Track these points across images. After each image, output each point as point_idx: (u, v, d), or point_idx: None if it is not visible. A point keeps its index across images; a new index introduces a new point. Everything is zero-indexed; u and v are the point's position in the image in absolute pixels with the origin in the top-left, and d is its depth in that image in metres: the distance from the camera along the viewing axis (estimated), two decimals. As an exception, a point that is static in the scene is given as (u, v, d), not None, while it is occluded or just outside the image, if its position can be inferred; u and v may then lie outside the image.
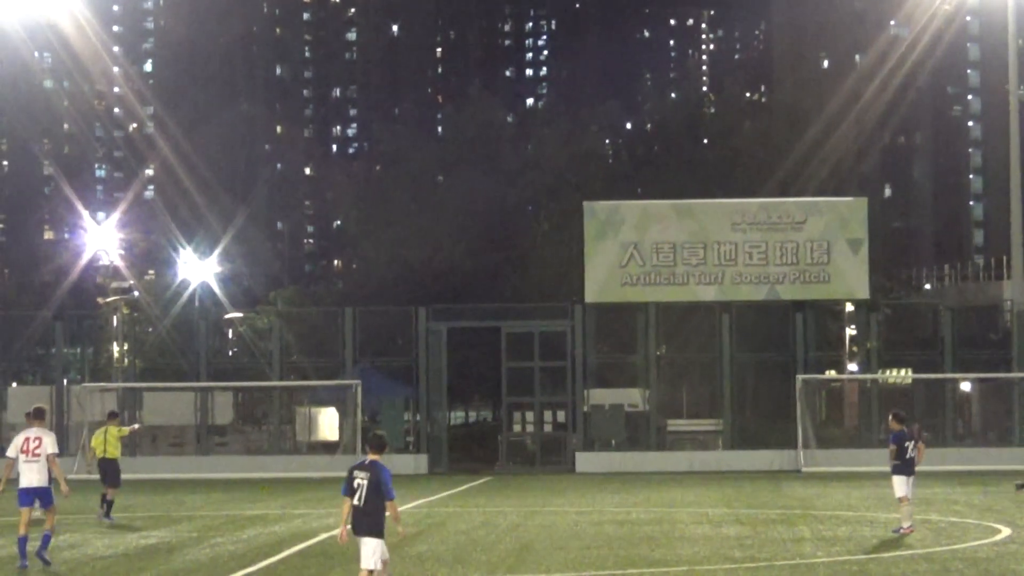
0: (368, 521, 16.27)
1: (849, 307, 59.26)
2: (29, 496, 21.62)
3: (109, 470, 31.05)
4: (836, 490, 37.75)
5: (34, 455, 21.66)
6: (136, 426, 42.45)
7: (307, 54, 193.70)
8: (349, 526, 16.43)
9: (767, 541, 24.47)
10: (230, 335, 68.29)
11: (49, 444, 21.68)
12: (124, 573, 21.49)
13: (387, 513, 16.35)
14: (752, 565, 21.30)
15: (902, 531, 25.04)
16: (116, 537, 26.57)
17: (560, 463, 51.50)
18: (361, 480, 16.29)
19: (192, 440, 53.66)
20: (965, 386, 56.66)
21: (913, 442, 25.55)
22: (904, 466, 25.39)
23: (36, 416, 22.22)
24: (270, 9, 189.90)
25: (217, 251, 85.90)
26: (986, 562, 21.17)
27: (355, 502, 16.30)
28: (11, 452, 21.92)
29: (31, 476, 21.62)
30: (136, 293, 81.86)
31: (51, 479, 21.70)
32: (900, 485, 25.34)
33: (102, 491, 30.71)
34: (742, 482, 42.14)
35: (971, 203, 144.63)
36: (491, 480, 45.85)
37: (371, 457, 16.51)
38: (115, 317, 63.93)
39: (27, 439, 21.74)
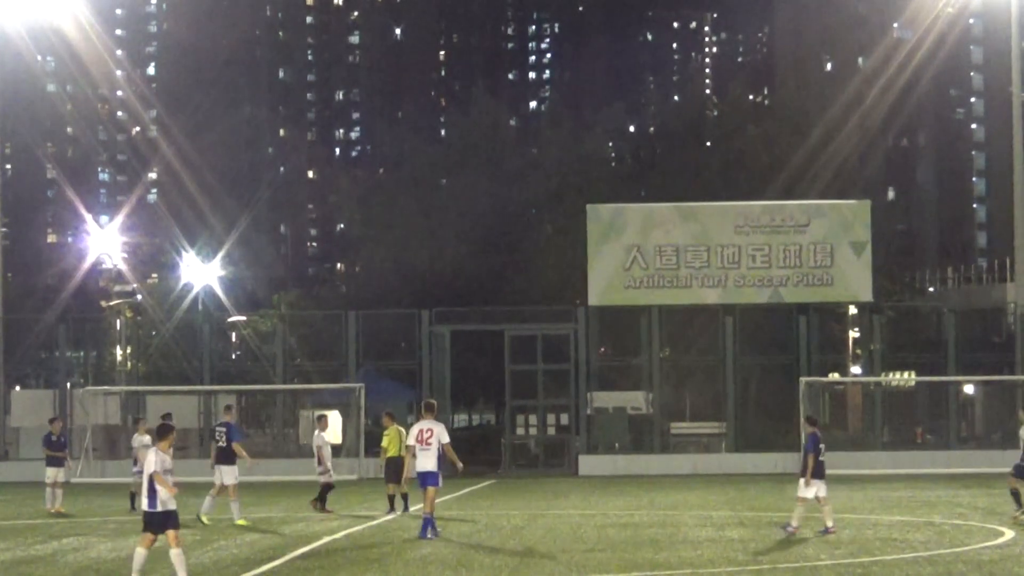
0: None
1: (852, 310, 59.28)
2: (423, 478, 25.19)
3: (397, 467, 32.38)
4: (839, 493, 37.62)
5: (426, 443, 25.13)
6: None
7: (310, 57, 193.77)
8: None
9: (770, 544, 24.47)
10: (233, 338, 68.37)
11: (441, 434, 25.17)
12: (127, 576, 21.44)
13: None
14: (755, 568, 21.29)
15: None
16: (119, 540, 26.55)
17: (563, 466, 51.47)
18: None
19: (195, 443, 53.61)
20: (968, 389, 56.65)
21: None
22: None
23: (427, 409, 25.71)
24: (273, 12, 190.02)
25: (220, 254, 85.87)
26: (990, 565, 21.14)
27: None
28: (410, 441, 25.58)
29: (424, 461, 25.18)
30: (139, 296, 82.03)
31: (441, 464, 25.22)
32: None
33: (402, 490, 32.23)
34: (745, 485, 42.11)
35: (974, 206, 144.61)
36: (494, 483, 45.79)
37: None
38: (118, 321, 64.01)
39: (421, 430, 25.25)
